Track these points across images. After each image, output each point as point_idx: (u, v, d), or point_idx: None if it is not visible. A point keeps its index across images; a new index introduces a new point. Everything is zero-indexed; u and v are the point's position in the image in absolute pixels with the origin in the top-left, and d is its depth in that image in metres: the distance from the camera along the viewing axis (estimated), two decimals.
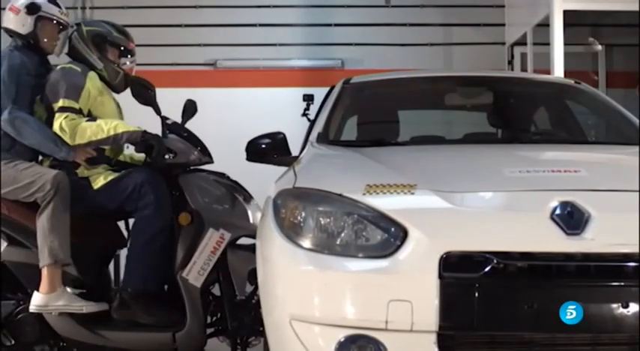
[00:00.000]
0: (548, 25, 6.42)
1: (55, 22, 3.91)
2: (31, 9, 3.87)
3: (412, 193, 2.42)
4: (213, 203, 3.66)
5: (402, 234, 2.29)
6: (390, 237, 2.31)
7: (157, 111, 3.67)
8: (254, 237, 3.59)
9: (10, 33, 3.93)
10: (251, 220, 3.69)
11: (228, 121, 7.47)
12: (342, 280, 2.31)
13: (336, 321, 2.29)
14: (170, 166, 3.70)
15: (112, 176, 3.69)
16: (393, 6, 8.08)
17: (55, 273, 3.53)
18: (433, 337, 2.22)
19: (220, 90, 7.78)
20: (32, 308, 3.51)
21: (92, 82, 3.78)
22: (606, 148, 3.35)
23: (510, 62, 8.04)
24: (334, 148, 3.29)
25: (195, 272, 3.58)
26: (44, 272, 3.52)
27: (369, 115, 4.07)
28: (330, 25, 8.22)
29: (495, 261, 2.21)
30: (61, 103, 3.67)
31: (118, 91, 4.01)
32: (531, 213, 2.31)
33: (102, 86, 3.86)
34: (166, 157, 3.66)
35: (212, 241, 3.60)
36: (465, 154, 3.13)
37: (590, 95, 4.03)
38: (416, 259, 2.24)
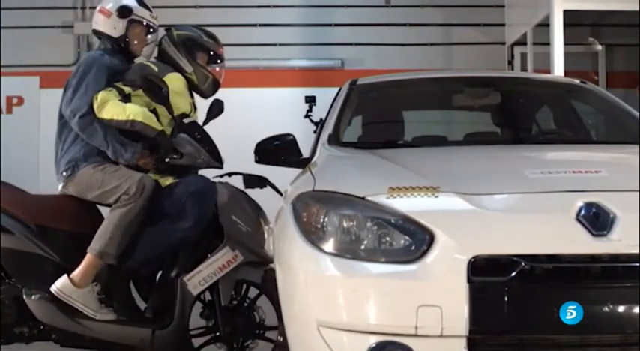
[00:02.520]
0: (548, 25, 6.45)
1: (145, 25, 3.89)
2: (123, 12, 3.84)
3: (436, 196, 2.40)
4: (238, 223, 3.62)
5: (429, 238, 2.28)
6: (416, 241, 2.29)
7: (170, 110, 3.64)
8: (265, 264, 3.64)
9: (100, 35, 3.90)
10: (266, 247, 3.68)
11: (227, 120, 7.46)
12: (371, 285, 2.29)
13: (365, 327, 2.28)
14: (174, 167, 3.67)
15: (177, 180, 3.66)
16: (393, 6, 8.12)
17: (93, 265, 3.50)
18: (463, 342, 2.21)
19: (220, 90, 7.75)
20: (53, 288, 3.47)
21: (169, 82, 3.69)
22: (618, 148, 3.34)
23: (510, 62, 8.07)
24: (347, 150, 3.27)
25: (196, 281, 3.55)
26: (86, 258, 3.50)
27: (378, 116, 4.04)
28: (330, 25, 8.25)
29: (524, 264, 2.20)
30: (117, 84, 3.67)
31: (205, 96, 3.95)
32: (557, 214, 2.30)
33: (183, 90, 3.82)
34: (174, 157, 3.63)
35: (224, 259, 3.56)
36: (481, 155, 3.11)
37: (596, 95, 4.04)
38: (444, 263, 2.23)
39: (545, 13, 6.56)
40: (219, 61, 3.97)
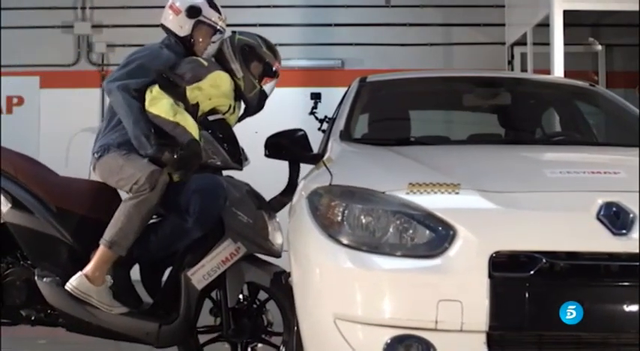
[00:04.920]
0: (548, 25, 6.45)
1: (211, 26, 3.86)
2: (192, 12, 3.82)
3: (457, 193, 2.41)
4: (239, 214, 3.59)
5: (451, 233, 2.28)
6: (437, 236, 2.30)
7: (187, 107, 3.62)
8: (267, 255, 3.62)
9: (166, 31, 3.89)
10: (269, 239, 3.65)
11: None
12: (392, 279, 2.29)
13: (384, 321, 2.27)
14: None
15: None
16: (393, 6, 8.14)
17: (105, 258, 3.48)
18: (483, 337, 2.21)
19: None
20: (68, 286, 3.45)
21: (214, 81, 3.71)
22: (631, 150, 3.34)
23: (510, 62, 8.10)
24: (361, 146, 3.27)
25: (200, 275, 3.53)
26: (98, 250, 3.49)
27: (387, 113, 4.04)
28: (330, 25, 8.28)
29: (544, 261, 2.21)
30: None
31: (248, 105, 3.92)
32: (578, 213, 2.31)
33: (225, 89, 3.78)
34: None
35: (226, 252, 3.54)
36: (497, 154, 3.11)
37: (606, 98, 4.04)
38: (466, 258, 2.24)
39: (545, 13, 6.57)
40: (272, 74, 3.95)
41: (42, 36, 8.21)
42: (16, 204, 3.57)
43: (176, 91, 3.56)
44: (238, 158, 3.73)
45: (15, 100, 8.20)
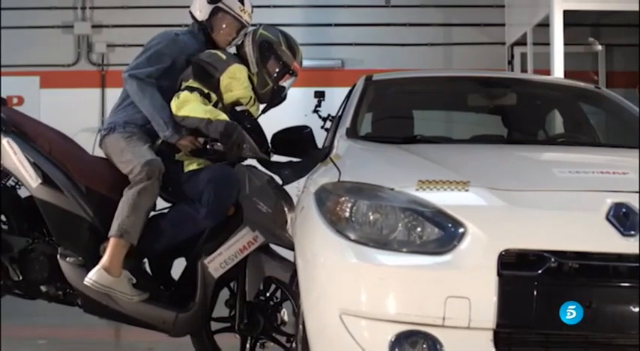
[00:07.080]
0: (548, 25, 6.46)
1: (230, 16, 3.86)
2: None
3: (466, 190, 2.41)
4: (258, 203, 3.59)
5: (460, 230, 2.28)
6: (447, 233, 2.30)
7: (220, 97, 3.61)
8: (286, 248, 3.57)
9: (192, 16, 3.91)
10: (287, 231, 3.63)
11: None
12: (400, 275, 2.29)
13: (390, 316, 2.27)
14: (216, 153, 3.61)
15: (203, 164, 3.63)
16: (393, 6, 8.14)
17: (118, 248, 3.48)
18: (490, 335, 2.21)
19: None
20: (88, 282, 3.45)
21: (233, 74, 3.71)
22: (636, 152, 3.35)
23: (510, 62, 8.10)
24: (368, 143, 3.27)
25: (217, 263, 3.55)
26: (109, 243, 3.49)
27: (392, 112, 4.04)
28: (330, 25, 8.27)
29: (553, 260, 2.22)
30: (190, 82, 3.65)
31: (260, 101, 3.91)
32: (588, 213, 2.31)
33: (244, 80, 3.77)
34: (218, 144, 3.57)
35: (244, 240, 3.55)
36: (505, 153, 3.11)
37: (611, 101, 4.03)
38: (475, 256, 2.24)
39: (545, 13, 6.58)
40: (289, 74, 3.93)
41: (42, 36, 8.21)
42: (47, 180, 3.58)
43: (210, 82, 3.57)
44: (266, 149, 3.71)
45: (15, 100, 8.17)
